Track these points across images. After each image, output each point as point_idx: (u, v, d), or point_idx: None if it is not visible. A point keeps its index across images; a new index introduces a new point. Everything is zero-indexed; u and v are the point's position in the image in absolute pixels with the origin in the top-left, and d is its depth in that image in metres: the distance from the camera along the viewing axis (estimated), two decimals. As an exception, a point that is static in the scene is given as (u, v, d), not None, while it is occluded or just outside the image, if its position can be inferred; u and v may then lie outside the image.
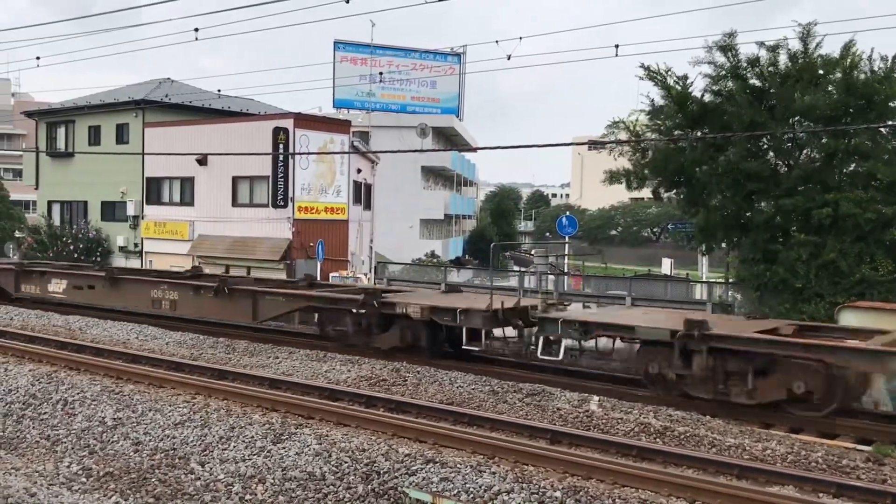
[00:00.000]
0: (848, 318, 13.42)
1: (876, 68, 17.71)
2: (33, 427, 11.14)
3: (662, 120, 19.53)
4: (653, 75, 19.19)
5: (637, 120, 21.12)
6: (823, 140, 17.52)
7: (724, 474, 8.67)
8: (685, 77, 19.01)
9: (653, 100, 19.56)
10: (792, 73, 17.90)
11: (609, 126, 21.53)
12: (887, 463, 9.32)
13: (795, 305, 16.79)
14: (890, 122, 17.70)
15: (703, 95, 19.13)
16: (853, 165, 17.55)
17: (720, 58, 18.63)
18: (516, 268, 48.25)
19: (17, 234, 49.56)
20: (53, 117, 42.17)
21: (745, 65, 18.50)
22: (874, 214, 16.27)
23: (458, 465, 8.70)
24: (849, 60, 17.70)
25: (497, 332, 15.58)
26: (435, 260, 45.48)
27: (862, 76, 17.65)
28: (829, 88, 17.98)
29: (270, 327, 19.42)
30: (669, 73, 19.11)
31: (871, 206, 16.33)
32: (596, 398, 11.99)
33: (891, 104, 17.69)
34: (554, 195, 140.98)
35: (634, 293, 21.32)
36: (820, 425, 11.37)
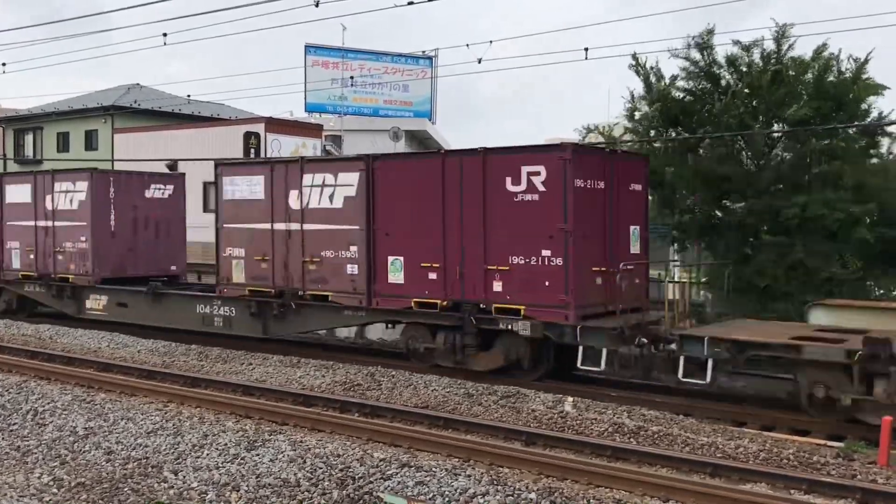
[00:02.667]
0: (818, 316, 13.57)
1: (844, 69, 17.94)
2: (2, 438, 10.99)
3: (640, 121, 19.64)
4: (639, 69, 19.30)
5: (614, 126, 21.26)
6: (799, 145, 17.71)
7: (697, 473, 8.74)
8: (674, 77, 19.14)
9: (633, 98, 19.64)
10: (777, 76, 18.06)
11: (584, 131, 21.66)
12: (856, 458, 9.45)
13: (766, 305, 16.96)
14: (859, 123, 17.95)
15: (684, 97, 19.26)
16: (820, 168, 17.75)
17: (696, 55, 18.77)
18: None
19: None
20: (21, 124, 41.72)
21: (722, 63, 18.66)
22: (843, 214, 16.46)
23: (434, 469, 8.70)
24: (820, 63, 17.90)
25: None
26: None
27: (833, 79, 17.87)
28: (800, 90, 18.18)
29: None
30: (653, 69, 19.26)
31: (840, 206, 16.53)
32: (570, 399, 12.04)
33: (861, 106, 17.93)
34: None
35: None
36: (792, 422, 11.52)
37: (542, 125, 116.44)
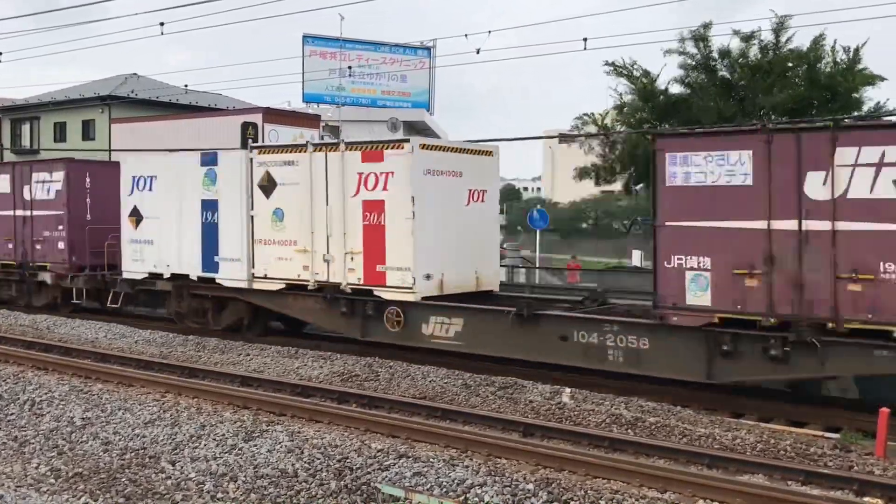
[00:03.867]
0: None
1: (839, 59, 17.95)
2: (0, 429, 10.98)
3: (630, 114, 19.68)
4: (619, 70, 19.33)
5: (606, 113, 21.30)
6: None
7: (694, 464, 8.75)
8: (647, 73, 19.16)
9: (621, 94, 19.72)
10: (762, 66, 18.08)
11: (577, 119, 21.72)
12: (853, 450, 9.46)
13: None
14: (857, 114, 17.95)
15: (667, 88, 19.29)
16: None
17: (692, 49, 18.78)
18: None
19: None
20: (18, 114, 41.59)
21: (716, 56, 18.68)
22: None
23: (432, 460, 8.71)
24: (814, 54, 17.92)
25: None
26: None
27: (826, 69, 17.88)
28: (796, 80, 18.20)
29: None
30: (635, 66, 19.26)
31: None
32: (568, 390, 12.04)
33: (854, 95, 17.95)
34: (525, 189, 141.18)
35: (605, 285, 21.43)
36: (789, 414, 11.54)
37: (540, 115, 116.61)
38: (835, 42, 18.06)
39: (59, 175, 20.60)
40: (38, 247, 20.96)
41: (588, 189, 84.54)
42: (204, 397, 11.68)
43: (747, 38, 18.47)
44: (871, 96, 18.62)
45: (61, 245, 20.47)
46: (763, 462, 8.71)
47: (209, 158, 16.98)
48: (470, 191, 15.42)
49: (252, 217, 16.22)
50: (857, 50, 18.06)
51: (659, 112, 19.31)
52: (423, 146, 14.82)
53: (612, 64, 19.28)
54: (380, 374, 13.20)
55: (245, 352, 15.42)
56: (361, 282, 14.90)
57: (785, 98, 17.24)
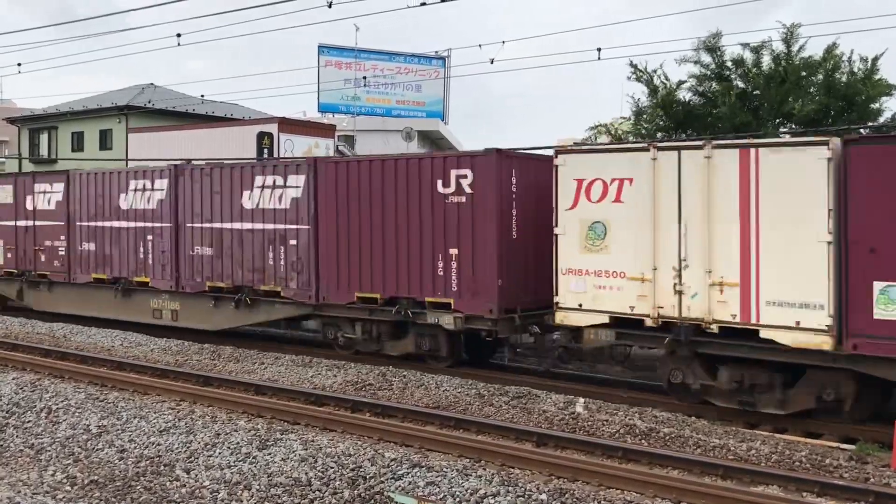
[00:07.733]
0: None
1: (856, 69, 17.88)
2: (17, 436, 11.07)
3: (646, 122, 19.65)
4: (640, 75, 19.30)
5: (621, 123, 21.28)
6: None
7: (709, 475, 8.72)
8: (668, 80, 19.14)
9: (638, 100, 19.68)
10: (775, 76, 18.04)
11: (591, 129, 21.69)
12: (869, 461, 9.39)
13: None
14: (871, 124, 17.86)
15: (689, 100, 19.25)
16: None
17: (706, 58, 18.77)
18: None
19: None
20: (36, 123, 41.97)
21: (730, 66, 18.64)
22: None
23: (445, 469, 8.71)
24: (830, 63, 17.85)
25: None
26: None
27: (843, 78, 17.81)
28: (812, 90, 18.13)
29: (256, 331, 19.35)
30: (657, 73, 19.24)
31: None
32: (581, 400, 12.01)
33: (872, 105, 17.85)
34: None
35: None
36: (805, 425, 11.46)
37: (555, 125, 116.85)
38: (851, 52, 18.03)
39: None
40: None
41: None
42: (219, 406, 11.74)
43: (757, 50, 18.44)
44: (890, 106, 18.55)
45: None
46: (778, 473, 8.67)
47: None
48: None
49: None
50: (875, 59, 18.00)
51: (677, 121, 19.27)
52: None
53: (635, 66, 19.26)
54: (393, 384, 13.22)
55: (260, 360, 15.47)
56: None
57: (801, 107, 17.17)
